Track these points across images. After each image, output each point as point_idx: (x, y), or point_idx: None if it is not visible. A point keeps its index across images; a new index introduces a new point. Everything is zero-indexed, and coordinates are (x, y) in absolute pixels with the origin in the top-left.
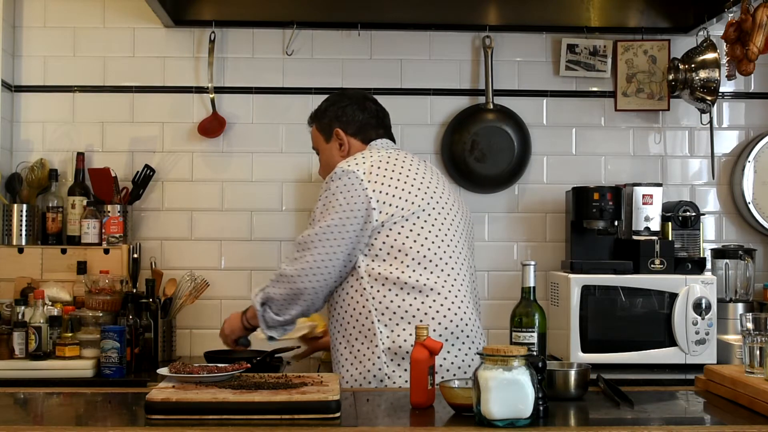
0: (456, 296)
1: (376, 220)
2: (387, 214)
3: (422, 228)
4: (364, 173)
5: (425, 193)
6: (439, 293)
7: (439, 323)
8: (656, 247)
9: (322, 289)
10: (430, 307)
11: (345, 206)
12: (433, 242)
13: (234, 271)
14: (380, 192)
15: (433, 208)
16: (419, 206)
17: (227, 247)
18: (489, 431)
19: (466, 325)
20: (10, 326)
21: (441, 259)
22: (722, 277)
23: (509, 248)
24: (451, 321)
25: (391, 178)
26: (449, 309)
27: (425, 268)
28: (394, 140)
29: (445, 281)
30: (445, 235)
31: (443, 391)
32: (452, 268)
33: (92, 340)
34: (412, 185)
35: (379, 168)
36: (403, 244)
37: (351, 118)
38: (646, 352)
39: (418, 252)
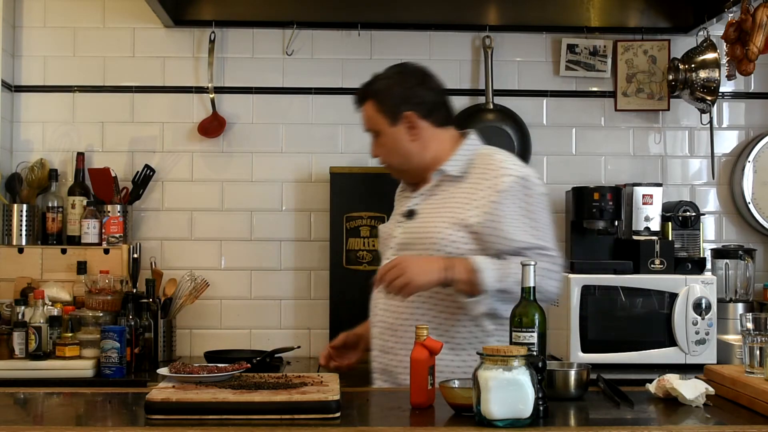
0: None
1: None
2: None
3: None
4: None
5: None
6: None
7: None
8: (656, 247)
9: None
10: None
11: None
12: None
13: (234, 271)
14: None
15: None
16: None
17: (227, 247)
18: (489, 431)
19: None
20: (10, 326)
21: None
22: (722, 277)
23: None
24: None
25: None
26: None
27: None
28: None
29: None
30: None
31: (443, 391)
32: None
33: (92, 340)
34: None
35: None
36: None
37: (422, 98)
38: (646, 352)
39: None
